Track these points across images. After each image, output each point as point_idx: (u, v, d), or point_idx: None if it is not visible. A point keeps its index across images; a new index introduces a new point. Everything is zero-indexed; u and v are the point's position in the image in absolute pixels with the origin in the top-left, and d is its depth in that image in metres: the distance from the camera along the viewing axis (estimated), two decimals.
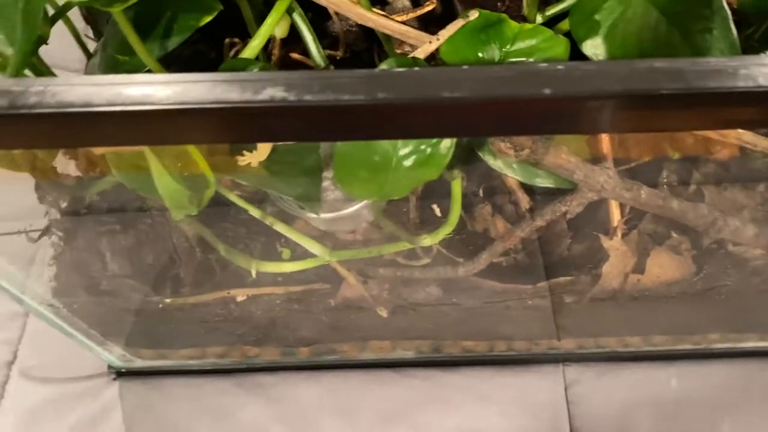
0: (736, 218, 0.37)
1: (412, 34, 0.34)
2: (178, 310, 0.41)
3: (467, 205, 0.42)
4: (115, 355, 0.49)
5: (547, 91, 0.21)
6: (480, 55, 0.31)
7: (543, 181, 0.34)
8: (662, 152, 0.41)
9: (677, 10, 0.29)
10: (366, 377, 0.50)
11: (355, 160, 0.30)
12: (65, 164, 0.40)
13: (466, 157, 0.37)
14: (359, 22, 0.34)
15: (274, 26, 0.34)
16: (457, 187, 0.37)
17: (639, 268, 0.40)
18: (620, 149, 0.39)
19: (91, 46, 0.43)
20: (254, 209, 0.38)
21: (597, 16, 0.31)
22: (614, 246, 0.38)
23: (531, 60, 0.31)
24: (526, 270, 0.40)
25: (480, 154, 0.33)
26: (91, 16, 0.43)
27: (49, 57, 0.37)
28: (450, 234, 0.38)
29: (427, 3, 0.35)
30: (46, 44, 0.33)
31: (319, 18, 0.41)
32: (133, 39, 0.29)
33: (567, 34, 0.35)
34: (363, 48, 0.43)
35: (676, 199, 0.35)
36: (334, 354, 0.50)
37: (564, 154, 0.31)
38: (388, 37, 0.37)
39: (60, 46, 0.37)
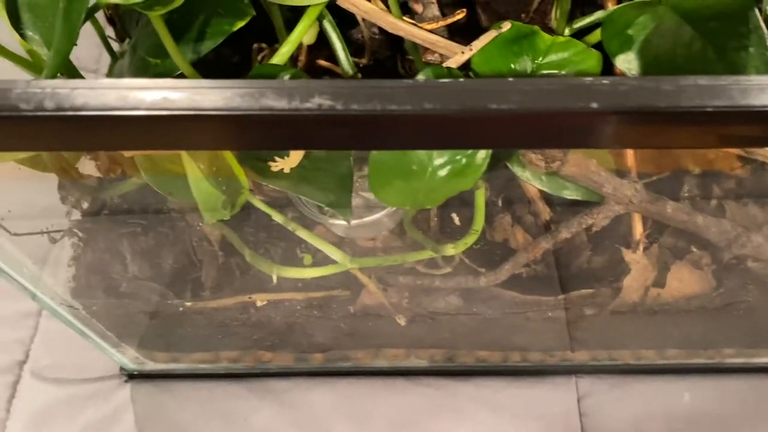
0: (759, 234, 0.37)
1: (442, 43, 0.34)
2: (197, 313, 0.41)
3: (487, 215, 0.42)
4: (128, 357, 0.49)
5: (594, 105, 0.21)
6: (512, 66, 0.31)
7: (571, 194, 0.34)
8: (683, 166, 0.41)
9: (712, 27, 0.29)
10: (379, 385, 0.50)
11: (390, 169, 0.30)
12: (87, 164, 0.40)
13: (489, 166, 0.37)
14: (391, 31, 0.34)
15: (304, 33, 0.34)
16: (481, 197, 0.37)
17: (659, 282, 0.40)
18: (642, 162, 0.39)
19: (113, 47, 0.43)
20: (277, 214, 0.38)
21: (630, 31, 0.31)
22: (636, 259, 0.38)
23: (563, 72, 0.31)
24: (546, 281, 0.40)
25: (508, 164, 0.33)
26: (117, 17, 0.43)
27: None
28: (472, 245, 0.38)
29: (458, 12, 0.36)
30: (75, 45, 0.33)
31: (343, 25, 0.41)
32: (168, 42, 0.29)
33: (595, 47, 0.35)
34: (387, 55, 0.43)
35: (700, 215, 0.35)
36: (348, 361, 0.50)
37: (593, 167, 0.31)
38: (415, 46, 0.37)
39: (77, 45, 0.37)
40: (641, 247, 0.38)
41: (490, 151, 0.29)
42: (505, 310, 0.41)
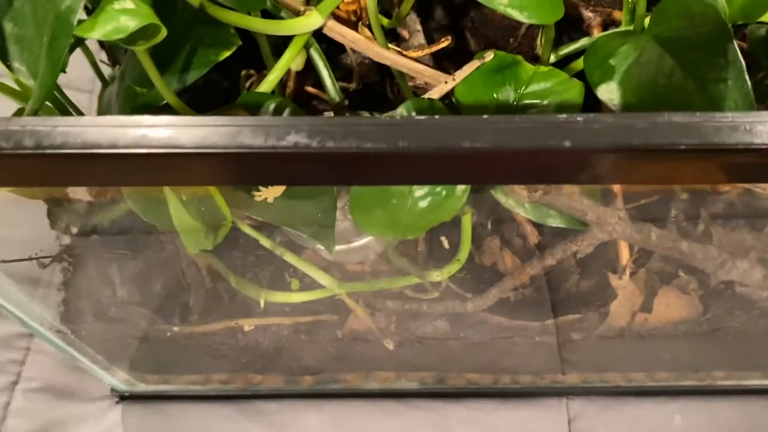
0: (745, 260, 0.37)
1: (428, 73, 0.34)
2: (185, 337, 0.41)
3: (475, 238, 0.42)
4: (119, 379, 0.49)
5: (567, 143, 0.21)
6: (495, 95, 0.32)
7: (554, 221, 0.35)
8: (670, 189, 0.41)
9: (691, 58, 0.30)
10: (370, 407, 0.50)
11: (370, 200, 0.30)
12: (76, 189, 0.40)
13: (475, 191, 0.37)
14: (377, 60, 0.34)
15: (291, 61, 0.34)
16: (467, 222, 0.37)
17: (646, 307, 0.40)
18: (627, 186, 0.39)
19: (105, 69, 0.44)
20: (265, 239, 0.38)
21: (612, 61, 0.31)
22: (622, 284, 0.38)
23: (546, 102, 0.31)
24: (533, 306, 0.40)
25: (492, 192, 0.34)
26: (107, 43, 0.44)
27: (60, 77, 0.37)
28: (459, 270, 0.38)
29: (443, 40, 0.36)
30: (64, 72, 0.34)
31: (332, 50, 0.42)
32: (153, 73, 0.29)
33: (580, 73, 0.35)
34: (376, 80, 0.43)
35: (685, 241, 0.35)
36: (338, 383, 0.50)
37: (576, 196, 0.32)
38: (401, 72, 0.38)
39: (71, 66, 0.37)
40: (628, 273, 0.39)
41: None
42: (493, 335, 0.41)
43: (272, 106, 0.33)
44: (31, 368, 0.53)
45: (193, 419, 0.51)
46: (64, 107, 0.33)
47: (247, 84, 0.40)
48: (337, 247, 0.39)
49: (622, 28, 0.37)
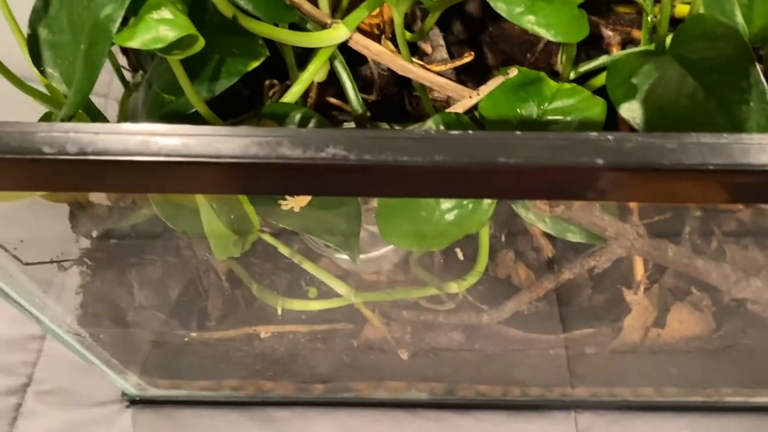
0: (758, 278, 0.38)
1: (451, 87, 0.34)
2: (201, 343, 0.42)
3: (490, 250, 0.42)
4: (131, 383, 0.49)
5: (599, 161, 0.22)
6: (519, 111, 0.32)
7: (574, 236, 0.35)
8: (684, 206, 0.41)
9: (713, 79, 0.30)
10: (379, 416, 0.51)
11: (398, 213, 0.30)
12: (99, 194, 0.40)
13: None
14: (401, 74, 0.35)
15: (316, 72, 0.34)
16: (485, 235, 0.37)
17: (660, 323, 0.40)
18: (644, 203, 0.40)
19: (126, 75, 0.44)
20: (283, 247, 0.39)
21: (634, 80, 0.32)
22: (637, 300, 0.39)
23: (569, 118, 0.32)
24: (547, 319, 0.41)
25: (513, 206, 0.34)
26: (130, 48, 0.44)
27: None
28: (476, 282, 0.38)
29: (466, 54, 0.36)
30: None
31: (352, 62, 0.42)
32: (184, 82, 0.30)
33: (599, 90, 0.36)
34: (394, 92, 0.44)
35: (700, 258, 0.36)
36: (349, 392, 0.50)
37: (597, 211, 0.32)
38: (423, 86, 0.38)
39: None
40: (642, 288, 0.39)
41: None
42: (507, 347, 0.41)
43: (298, 116, 0.33)
44: (43, 370, 0.53)
45: (203, 425, 0.51)
46: (95, 113, 0.33)
47: (270, 93, 0.40)
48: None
49: (641, 47, 0.37)
